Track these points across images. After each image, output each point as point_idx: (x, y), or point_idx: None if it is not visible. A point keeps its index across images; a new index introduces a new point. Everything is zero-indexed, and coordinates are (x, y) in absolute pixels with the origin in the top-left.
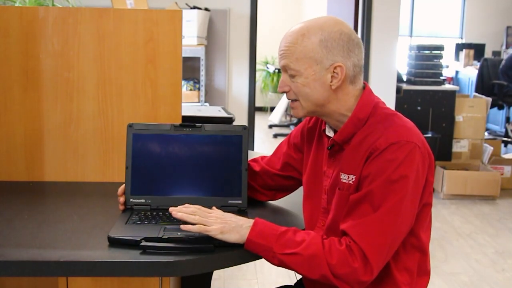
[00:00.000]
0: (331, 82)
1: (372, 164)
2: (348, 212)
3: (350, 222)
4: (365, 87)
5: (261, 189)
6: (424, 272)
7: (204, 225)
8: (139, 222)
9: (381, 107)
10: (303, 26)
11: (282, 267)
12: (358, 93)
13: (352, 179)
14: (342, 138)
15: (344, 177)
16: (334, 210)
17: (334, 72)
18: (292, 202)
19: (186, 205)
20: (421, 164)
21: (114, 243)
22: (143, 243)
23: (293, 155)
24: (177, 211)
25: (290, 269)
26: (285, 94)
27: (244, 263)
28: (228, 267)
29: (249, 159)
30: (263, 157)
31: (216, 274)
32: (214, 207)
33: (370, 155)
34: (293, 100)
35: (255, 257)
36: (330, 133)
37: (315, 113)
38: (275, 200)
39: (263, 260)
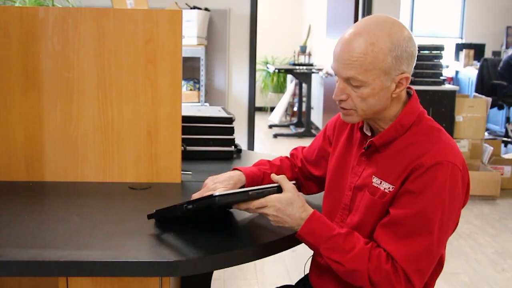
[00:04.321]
0: (394, 91)
1: (417, 181)
2: (388, 227)
3: (395, 244)
4: (412, 94)
5: (305, 182)
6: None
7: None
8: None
9: (426, 118)
10: (369, 32)
11: None
12: (405, 98)
13: (389, 188)
14: (381, 141)
15: (376, 181)
16: (363, 214)
17: (399, 82)
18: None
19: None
20: (461, 187)
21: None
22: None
23: (327, 148)
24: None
25: None
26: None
27: (244, 263)
28: (228, 267)
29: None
30: (303, 148)
31: (216, 274)
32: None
33: (414, 170)
34: (348, 108)
35: (255, 257)
36: (368, 131)
37: (369, 119)
38: (309, 194)
39: (263, 260)
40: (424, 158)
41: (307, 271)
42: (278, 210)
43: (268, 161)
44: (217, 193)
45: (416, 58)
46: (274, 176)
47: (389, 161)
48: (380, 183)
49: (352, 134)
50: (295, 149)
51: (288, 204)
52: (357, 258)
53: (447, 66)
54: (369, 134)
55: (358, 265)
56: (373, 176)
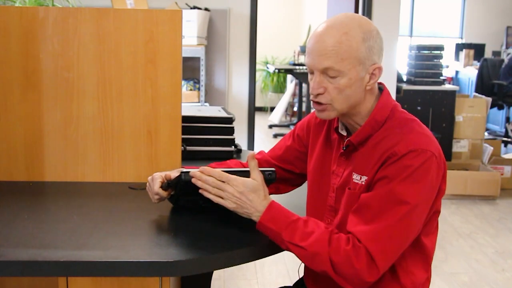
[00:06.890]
0: (368, 82)
1: (390, 167)
2: (356, 211)
3: (360, 225)
4: (383, 88)
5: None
6: (426, 276)
7: (220, 196)
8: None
9: (399, 111)
10: (341, 23)
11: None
12: (377, 93)
13: (364, 180)
14: (358, 139)
15: (356, 178)
16: (344, 209)
17: (372, 73)
18: (293, 203)
19: (204, 169)
20: (435, 173)
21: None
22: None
23: (297, 148)
24: (196, 179)
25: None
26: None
27: (244, 263)
28: (228, 267)
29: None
30: (265, 152)
31: (216, 274)
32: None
33: (388, 159)
34: (323, 103)
35: (255, 257)
36: (343, 131)
37: (345, 115)
38: (280, 193)
39: (263, 260)
40: (397, 147)
41: (301, 274)
42: (241, 193)
43: (215, 162)
44: (184, 170)
45: (383, 49)
46: (250, 160)
47: (366, 156)
48: (360, 178)
49: (329, 136)
50: (259, 153)
51: (252, 191)
52: (318, 241)
53: (447, 66)
54: (344, 134)
55: (319, 248)
56: (353, 173)
